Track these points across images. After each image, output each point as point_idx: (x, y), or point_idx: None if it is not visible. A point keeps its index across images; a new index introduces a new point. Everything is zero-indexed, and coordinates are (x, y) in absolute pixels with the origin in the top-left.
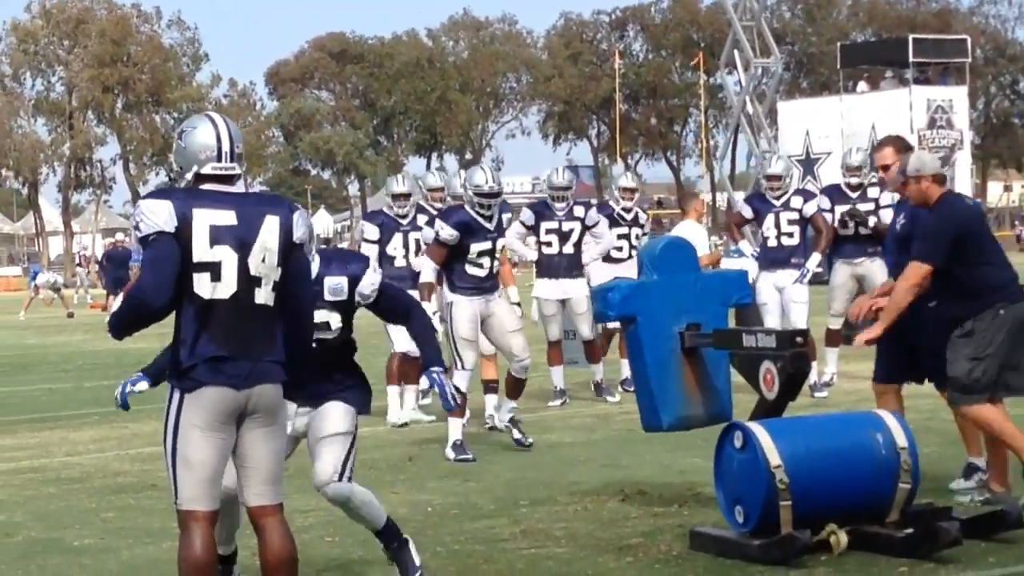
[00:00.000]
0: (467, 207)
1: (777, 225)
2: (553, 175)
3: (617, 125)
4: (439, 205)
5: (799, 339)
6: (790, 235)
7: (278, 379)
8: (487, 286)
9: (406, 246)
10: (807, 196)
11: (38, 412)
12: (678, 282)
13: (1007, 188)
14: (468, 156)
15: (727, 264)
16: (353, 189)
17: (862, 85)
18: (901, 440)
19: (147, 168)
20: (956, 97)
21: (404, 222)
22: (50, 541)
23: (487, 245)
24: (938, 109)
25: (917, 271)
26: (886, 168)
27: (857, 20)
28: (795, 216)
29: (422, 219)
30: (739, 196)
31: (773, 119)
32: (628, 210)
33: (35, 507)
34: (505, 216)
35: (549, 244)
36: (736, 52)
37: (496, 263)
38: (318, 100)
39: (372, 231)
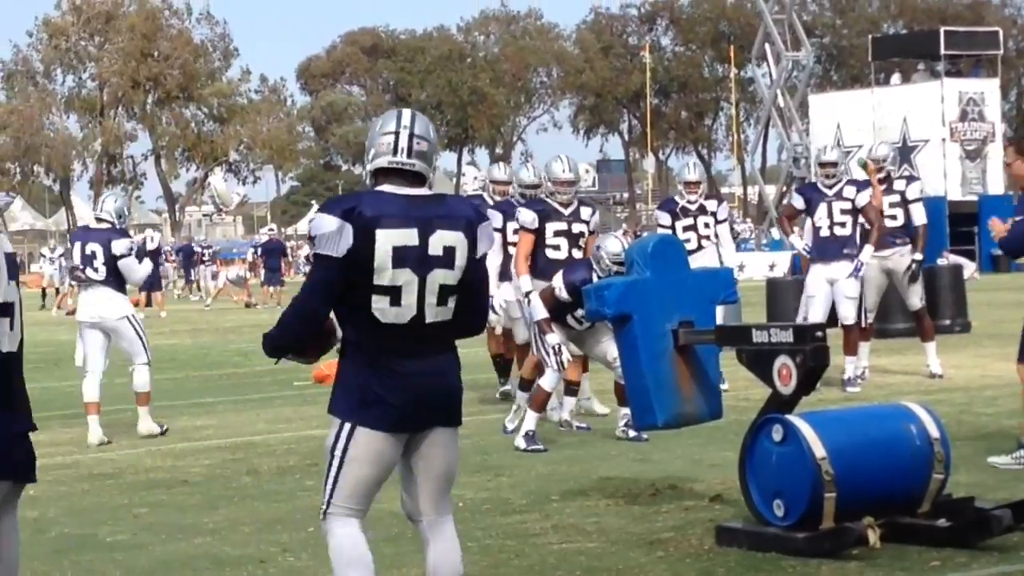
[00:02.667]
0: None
1: (830, 215)
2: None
3: (648, 119)
4: (498, 198)
5: (819, 333)
6: (842, 225)
7: None
8: None
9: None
10: (860, 186)
11: (71, 408)
12: (670, 279)
13: None
14: (499, 150)
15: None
16: None
17: (895, 78)
18: (934, 431)
19: (178, 163)
20: (988, 89)
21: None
22: (83, 537)
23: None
24: (970, 101)
25: None
26: (1008, 166)
27: (888, 12)
28: (848, 206)
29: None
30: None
31: (804, 112)
32: (692, 203)
33: (68, 503)
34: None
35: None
36: (767, 45)
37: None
38: (349, 95)
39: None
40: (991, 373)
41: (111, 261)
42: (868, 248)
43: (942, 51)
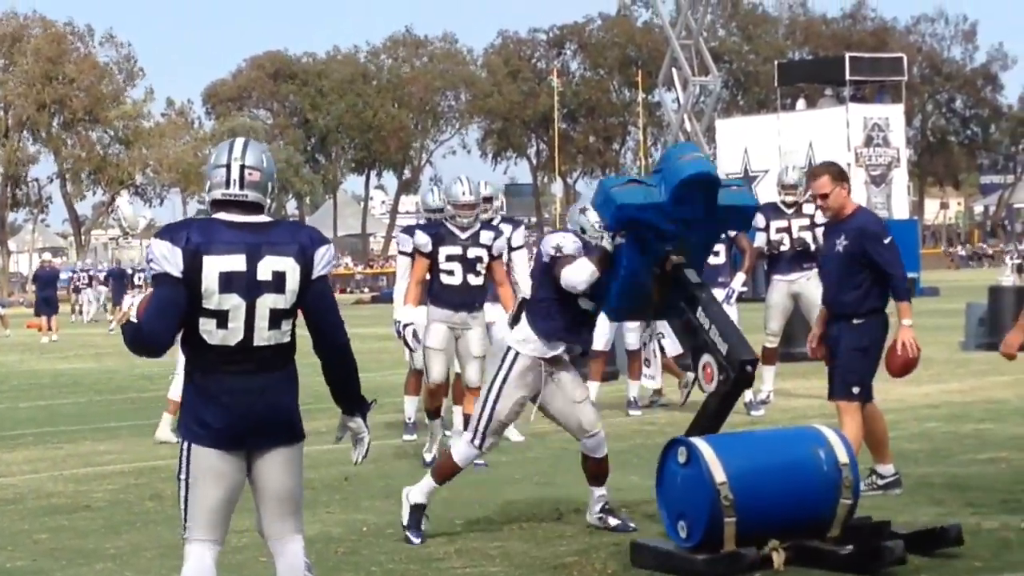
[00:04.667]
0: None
1: None
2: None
3: (556, 143)
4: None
5: (749, 368)
6: (716, 253)
7: None
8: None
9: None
10: None
11: None
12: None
13: (943, 205)
14: (407, 174)
15: None
16: (291, 208)
17: (801, 103)
18: (843, 456)
19: (84, 186)
20: (892, 115)
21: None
22: None
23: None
24: (875, 127)
25: None
26: (824, 197)
27: (794, 39)
28: None
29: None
30: None
31: (711, 137)
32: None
33: None
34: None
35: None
36: (674, 70)
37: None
38: (254, 119)
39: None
40: (892, 397)
41: None
42: (740, 275)
43: (847, 77)
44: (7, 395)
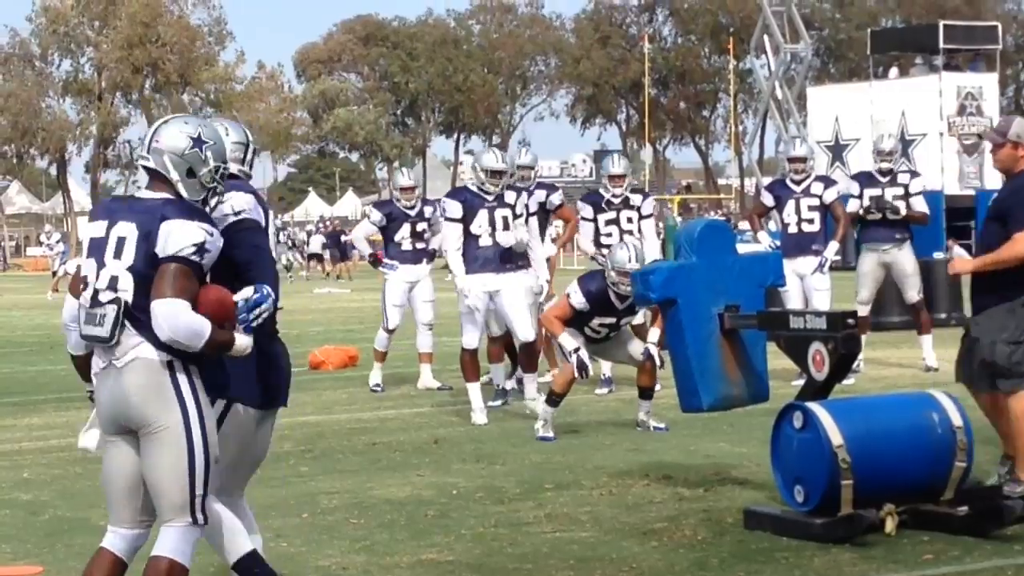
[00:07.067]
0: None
1: (798, 211)
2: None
3: (646, 109)
4: (619, 191)
5: (850, 320)
6: (810, 221)
7: None
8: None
9: (492, 223)
10: (827, 183)
11: (66, 391)
12: (717, 264)
13: None
14: (496, 139)
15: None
16: (381, 172)
17: (893, 71)
18: (956, 419)
19: None
20: (986, 84)
21: (490, 199)
22: (76, 520)
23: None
24: (968, 96)
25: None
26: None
27: (886, 6)
28: (815, 202)
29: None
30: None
31: (802, 105)
32: (617, 196)
33: (62, 486)
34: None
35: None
36: (766, 37)
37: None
38: (344, 82)
39: (455, 208)
40: None
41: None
42: (833, 244)
43: (941, 45)
44: None
